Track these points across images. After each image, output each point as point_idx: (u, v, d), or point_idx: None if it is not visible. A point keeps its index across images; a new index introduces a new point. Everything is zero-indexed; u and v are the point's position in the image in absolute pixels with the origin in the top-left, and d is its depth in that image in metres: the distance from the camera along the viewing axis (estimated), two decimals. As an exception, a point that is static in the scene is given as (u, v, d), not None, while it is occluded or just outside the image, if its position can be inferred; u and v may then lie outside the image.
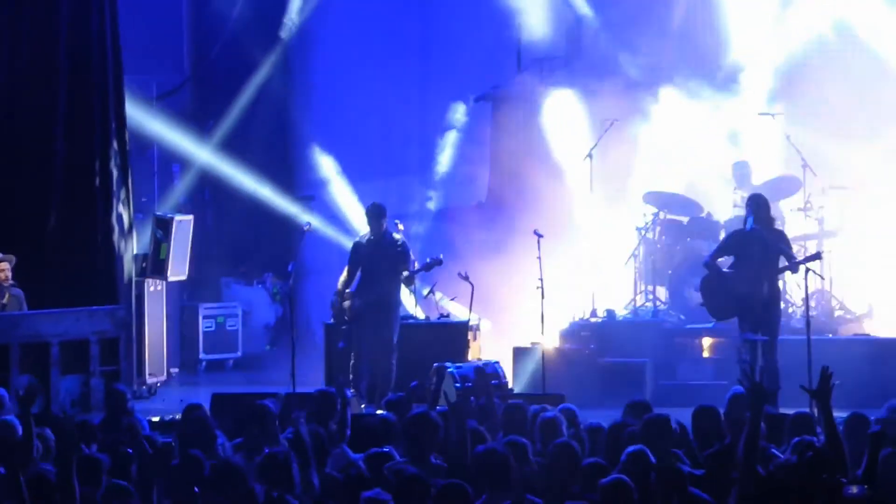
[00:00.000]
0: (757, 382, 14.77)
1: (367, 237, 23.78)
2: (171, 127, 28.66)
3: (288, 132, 30.48)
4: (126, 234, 25.39)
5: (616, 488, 12.09)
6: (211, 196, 29.57)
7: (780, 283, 22.76)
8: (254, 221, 29.18)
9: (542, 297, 23.94)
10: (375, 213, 23.67)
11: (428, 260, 23.55)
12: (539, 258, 24.31)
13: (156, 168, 29.03)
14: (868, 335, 25.55)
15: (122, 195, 25.25)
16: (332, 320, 24.28)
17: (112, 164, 25.04)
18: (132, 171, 25.95)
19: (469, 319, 24.41)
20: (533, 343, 25.11)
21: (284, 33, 30.00)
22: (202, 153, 29.03)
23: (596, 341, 25.32)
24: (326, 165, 29.99)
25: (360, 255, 23.76)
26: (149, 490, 13.20)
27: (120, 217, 25.16)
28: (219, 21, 29.73)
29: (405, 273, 23.54)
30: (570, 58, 30.07)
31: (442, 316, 25.13)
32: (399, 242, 23.74)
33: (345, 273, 23.84)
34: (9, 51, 24.47)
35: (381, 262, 23.52)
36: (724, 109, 28.28)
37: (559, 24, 29.90)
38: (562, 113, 29.32)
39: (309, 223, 27.27)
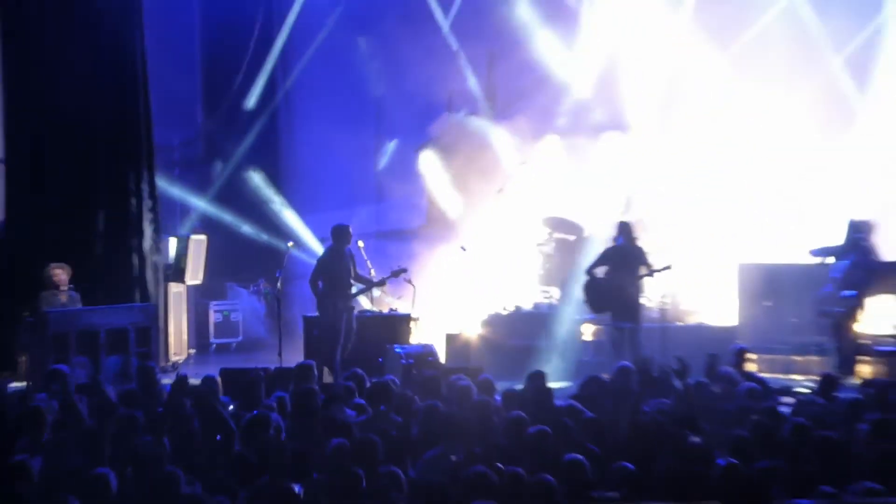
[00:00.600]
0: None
1: (330, 251, 23.47)
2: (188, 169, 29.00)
3: (275, 172, 30.47)
4: (155, 250, 25.46)
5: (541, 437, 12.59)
6: (218, 221, 29.28)
7: (642, 285, 22.97)
8: (250, 241, 29.20)
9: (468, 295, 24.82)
10: (341, 232, 23.47)
11: (395, 268, 23.47)
12: (463, 267, 25.26)
13: (177, 206, 28.88)
14: (703, 324, 26.01)
15: (152, 218, 25.31)
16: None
17: (145, 194, 25.09)
18: (160, 200, 26.03)
19: (411, 313, 24.65)
20: (459, 330, 25.39)
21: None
22: (209, 191, 29.33)
23: (506, 328, 25.53)
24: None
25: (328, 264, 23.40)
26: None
27: (151, 236, 25.29)
28: (226, 86, 29.82)
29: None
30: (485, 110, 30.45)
31: (391, 310, 25.07)
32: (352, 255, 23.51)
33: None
34: (72, 98, 24.30)
35: (347, 270, 23.36)
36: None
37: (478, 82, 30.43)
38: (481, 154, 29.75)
39: (292, 242, 28.05)
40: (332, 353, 22.72)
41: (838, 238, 23.23)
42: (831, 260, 22.81)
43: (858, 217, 23.22)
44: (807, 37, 28.70)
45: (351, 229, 23.46)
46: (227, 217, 29.31)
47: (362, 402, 15.33)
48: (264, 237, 29.19)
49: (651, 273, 22.95)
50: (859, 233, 22.57)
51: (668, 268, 23.52)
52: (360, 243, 24.05)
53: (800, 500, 10.68)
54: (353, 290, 23.22)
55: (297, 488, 11.14)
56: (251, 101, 30.17)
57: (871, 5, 28.81)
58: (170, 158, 28.16)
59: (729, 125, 28.41)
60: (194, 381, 17.15)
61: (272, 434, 13.20)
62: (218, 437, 13.47)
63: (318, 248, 27.70)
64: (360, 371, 17.55)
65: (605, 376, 16.84)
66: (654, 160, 28.50)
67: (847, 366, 21.97)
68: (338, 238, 23.29)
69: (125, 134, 25.17)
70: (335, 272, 23.22)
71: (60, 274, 22.83)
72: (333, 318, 22.81)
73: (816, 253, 23.25)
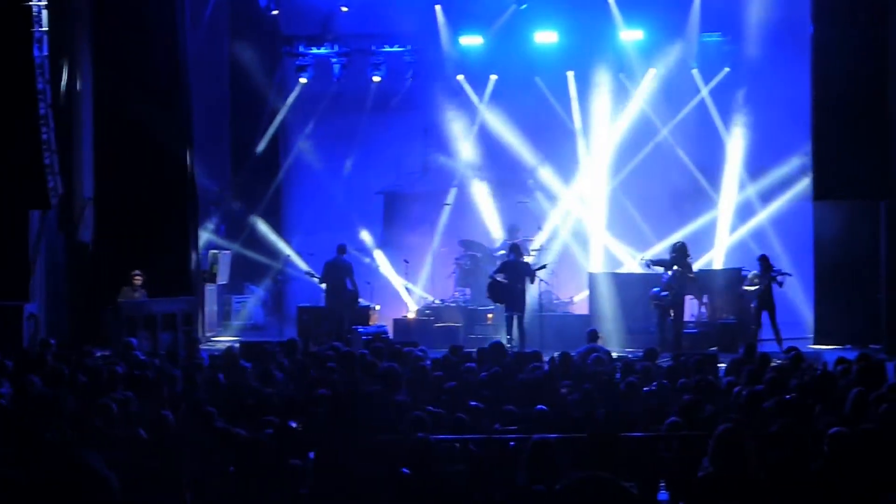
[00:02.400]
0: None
1: (337, 257, 23.72)
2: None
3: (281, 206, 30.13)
4: (197, 260, 25.20)
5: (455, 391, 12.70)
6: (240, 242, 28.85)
7: (526, 285, 22.80)
8: (261, 253, 28.64)
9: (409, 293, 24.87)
10: (342, 248, 23.98)
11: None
12: (407, 272, 25.29)
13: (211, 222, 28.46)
14: (568, 312, 26.03)
15: (195, 238, 25.13)
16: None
17: (191, 224, 24.91)
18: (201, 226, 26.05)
19: (370, 304, 25.36)
20: (403, 316, 25.74)
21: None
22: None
23: (435, 315, 25.63)
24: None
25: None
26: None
27: (195, 253, 25.11)
28: (250, 143, 29.39)
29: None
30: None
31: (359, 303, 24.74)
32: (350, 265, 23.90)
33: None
34: (142, 152, 24.02)
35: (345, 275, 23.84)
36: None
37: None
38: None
39: (288, 255, 27.99)
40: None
41: (665, 254, 23.29)
42: (660, 269, 22.78)
43: (677, 241, 23.26)
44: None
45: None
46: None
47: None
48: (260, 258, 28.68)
49: (532, 277, 22.94)
50: (676, 252, 22.59)
51: (543, 267, 23.69)
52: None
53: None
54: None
55: (293, 424, 11.01)
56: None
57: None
58: (206, 200, 27.46)
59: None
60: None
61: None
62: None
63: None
64: (336, 343, 17.57)
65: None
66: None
67: (668, 343, 22.07)
68: (340, 251, 23.62)
69: (180, 178, 24.83)
70: (338, 274, 23.35)
71: (137, 277, 22.92)
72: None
73: (647, 264, 23.25)
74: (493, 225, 28.32)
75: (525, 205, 27.81)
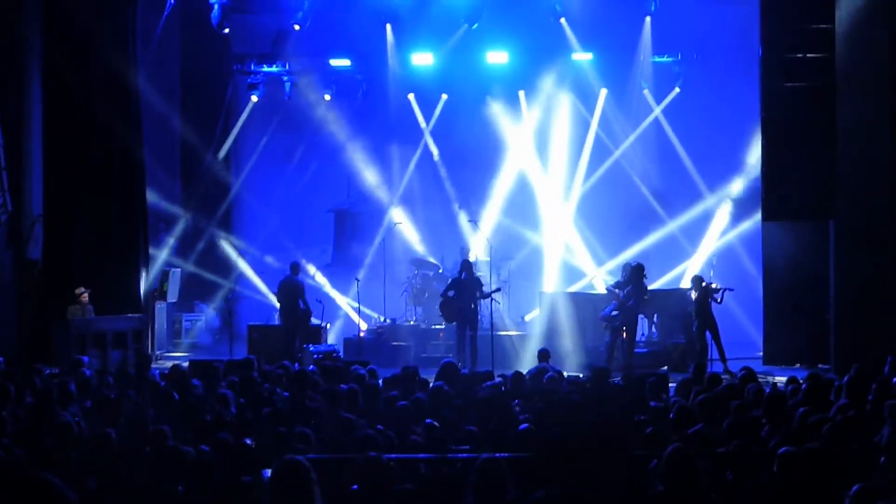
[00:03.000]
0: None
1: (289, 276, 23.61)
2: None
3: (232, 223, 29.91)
4: (147, 278, 25.21)
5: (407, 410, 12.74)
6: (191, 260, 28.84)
7: (478, 304, 22.86)
8: (211, 271, 28.73)
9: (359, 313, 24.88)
10: (296, 266, 23.83)
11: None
12: (358, 291, 25.31)
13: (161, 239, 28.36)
14: (520, 333, 25.67)
15: (146, 258, 25.12)
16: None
17: (141, 241, 24.86)
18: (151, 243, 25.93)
19: (321, 323, 25.14)
20: (355, 335, 25.53)
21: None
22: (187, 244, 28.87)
23: (387, 334, 25.47)
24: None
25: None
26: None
27: (144, 270, 25.05)
28: (201, 160, 29.26)
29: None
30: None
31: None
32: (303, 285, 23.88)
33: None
34: (91, 165, 24.23)
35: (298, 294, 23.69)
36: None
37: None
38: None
39: (238, 274, 27.92)
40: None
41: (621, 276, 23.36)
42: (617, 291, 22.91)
43: (633, 262, 23.35)
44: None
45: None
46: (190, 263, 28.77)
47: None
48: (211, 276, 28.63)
49: (486, 295, 23.00)
50: (632, 272, 22.69)
51: (498, 289, 23.76)
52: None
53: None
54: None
55: (248, 441, 10.93)
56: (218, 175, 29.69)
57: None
58: (156, 215, 27.38)
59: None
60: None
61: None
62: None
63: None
64: (286, 362, 17.51)
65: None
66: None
67: (618, 363, 22.19)
68: (295, 270, 23.57)
69: (131, 195, 24.87)
70: (291, 293, 23.36)
71: (83, 295, 22.85)
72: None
73: (610, 288, 23.29)
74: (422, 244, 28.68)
75: (475, 224, 27.76)
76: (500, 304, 24.93)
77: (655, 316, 24.40)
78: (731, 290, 22.86)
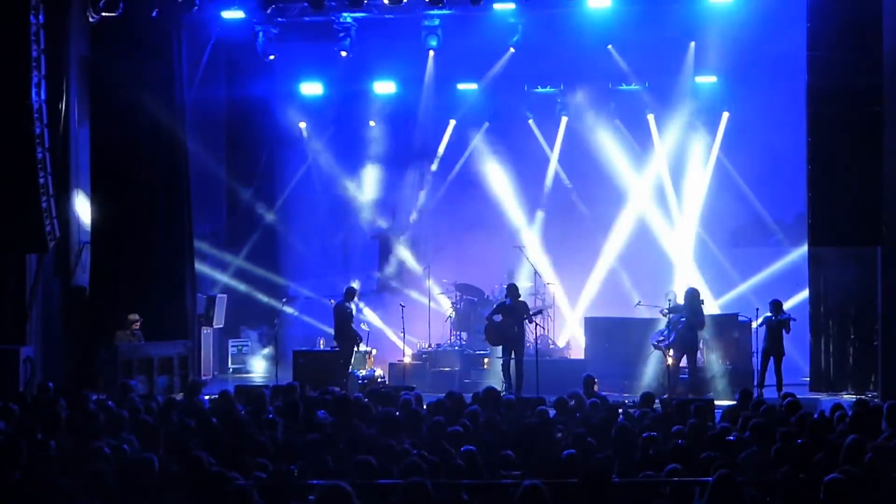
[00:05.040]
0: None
1: (342, 302, 23.93)
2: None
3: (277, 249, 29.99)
4: (194, 304, 25.49)
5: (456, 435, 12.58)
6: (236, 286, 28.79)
7: (524, 329, 22.81)
8: (257, 297, 28.70)
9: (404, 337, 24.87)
10: (350, 292, 24.07)
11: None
12: (403, 316, 25.30)
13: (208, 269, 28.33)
14: (567, 357, 26.23)
15: (192, 284, 25.37)
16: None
17: (188, 268, 25.20)
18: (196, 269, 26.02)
19: (367, 349, 25.15)
20: (399, 360, 25.52)
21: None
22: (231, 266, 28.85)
23: (431, 360, 25.63)
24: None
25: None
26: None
27: (190, 295, 25.29)
28: (238, 193, 29.39)
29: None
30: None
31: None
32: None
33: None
34: (138, 196, 24.60)
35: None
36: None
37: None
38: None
39: (286, 299, 27.99)
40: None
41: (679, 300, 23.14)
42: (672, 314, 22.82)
43: (690, 287, 23.22)
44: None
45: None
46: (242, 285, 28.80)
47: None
48: (264, 298, 28.64)
49: (530, 318, 22.93)
50: (690, 298, 22.58)
51: (540, 311, 23.70)
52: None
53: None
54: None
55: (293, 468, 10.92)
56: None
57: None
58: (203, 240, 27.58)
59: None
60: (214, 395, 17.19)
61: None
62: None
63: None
64: (331, 388, 17.62)
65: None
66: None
67: (665, 388, 22.13)
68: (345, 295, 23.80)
69: (177, 222, 25.15)
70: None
71: (136, 323, 23.19)
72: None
73: (665, 312, 23.16)
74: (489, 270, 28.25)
75: (520, 250, 27.65)
76: (543, 328, 24.82)
77: (702, 342, 24.20)
78: (794, 319, 22.66)
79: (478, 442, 12.36)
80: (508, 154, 28.90)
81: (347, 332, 23.71)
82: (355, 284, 24.84)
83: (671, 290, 23.69)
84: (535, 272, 27.11)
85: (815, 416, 14.56)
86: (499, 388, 19.60)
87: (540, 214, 29.09)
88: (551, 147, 29.14)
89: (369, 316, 27.89)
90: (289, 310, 27.58)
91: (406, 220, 29.65)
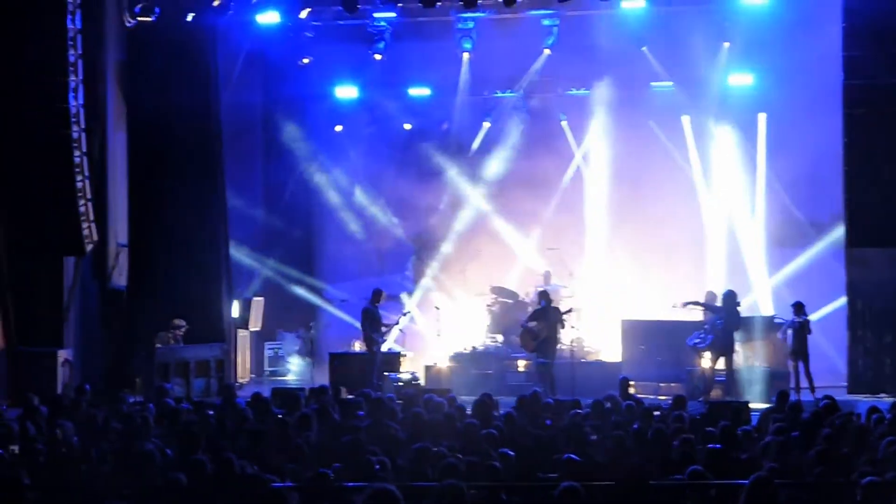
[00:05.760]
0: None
1: (370, 304, 23.80)
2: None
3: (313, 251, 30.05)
4: (230, 307, 25.56)
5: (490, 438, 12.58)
6: (270, 287, 28.77)
7: (558, 333, 22.84)
8: (294, 300, 28.72)
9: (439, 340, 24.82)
10: (377, 293, 24.01)
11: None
12: (438, 318, 25.27)
13: (244, 274, 28.31)
14: (599, 360, 25.74)
15: (228, 288, 25.43)
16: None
17: (224, 273, 25.25)
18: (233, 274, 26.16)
19: (401, 351, 25.11)
20: (434, 363, 25.33)
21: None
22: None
23: (466, 362, 25.35)
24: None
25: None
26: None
27: (226, 299, 25.37)
28: (283, 188, 29.35)
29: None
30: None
31: (390, 350, 24.77)
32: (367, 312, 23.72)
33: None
34: (174, 200, 24.63)
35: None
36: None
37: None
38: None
39: (320, 302, 28.03)
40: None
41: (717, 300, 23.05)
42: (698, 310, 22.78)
43: (728, 289, 23.12)
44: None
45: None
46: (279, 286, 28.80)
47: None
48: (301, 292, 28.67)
49: (563, 323, 22.90)
50: (727, 300, 22.50)
51: (570, 310, 23.59)
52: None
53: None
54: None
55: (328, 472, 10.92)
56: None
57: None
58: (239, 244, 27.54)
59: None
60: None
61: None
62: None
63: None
64: (366, 390, 17.63)
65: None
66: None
67: (699, 390, 22.07)
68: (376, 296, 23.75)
69: (212, 228, 25.29)
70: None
71: (180, 329, 23.41)
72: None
73: (685, 305, 23.12)
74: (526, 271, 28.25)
75: (555, 251, 27.59)
76: (574, 328, 24.72)
77: (737, 344, 24.06)
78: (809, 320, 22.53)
79: (514, 445, 12.34)
80: (544, 156, 28.76)
81: (374, 335, 23.72)
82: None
83: (709, 291, 23.61)
84: (570, 273, 26.95)
85: (853, 418, 14.48)
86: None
87: (572, 216, 28.86)
88: (589, 149, 28.98)
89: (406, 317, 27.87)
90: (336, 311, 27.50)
91: (441, 223, 29.54)
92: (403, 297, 27.66)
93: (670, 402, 17.32)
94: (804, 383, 21.99)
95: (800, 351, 22.16)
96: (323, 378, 23.21)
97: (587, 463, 11.42)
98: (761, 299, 26.59)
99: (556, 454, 11.84)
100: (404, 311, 25.63)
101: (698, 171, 28.11)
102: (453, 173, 29.05)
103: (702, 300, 23.50)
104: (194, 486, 10.11)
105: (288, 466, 11.06)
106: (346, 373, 23.51)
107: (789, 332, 22.53)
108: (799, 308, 22.40)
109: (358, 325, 24.20)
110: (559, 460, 11.53)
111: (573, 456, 11.48)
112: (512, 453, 11.66)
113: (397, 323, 24.35)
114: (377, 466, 10.86)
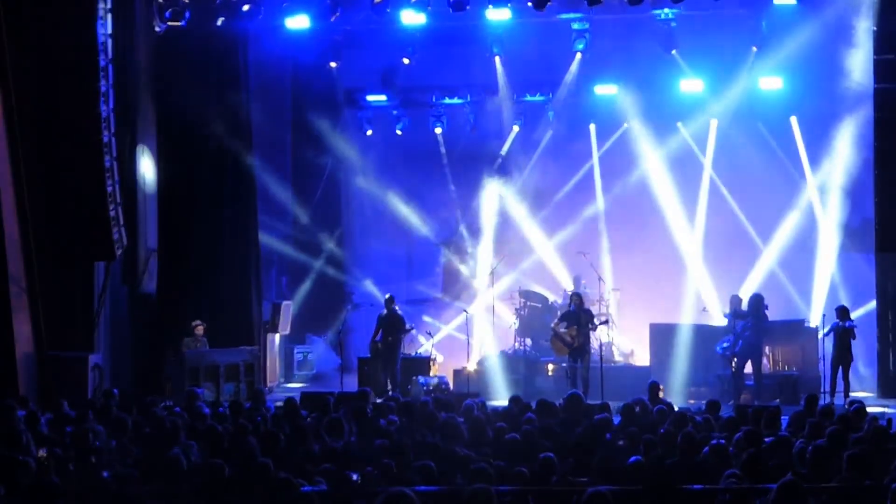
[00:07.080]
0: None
1: (384, 311, 24.28)
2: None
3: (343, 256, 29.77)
4: (260, 311, 25.66)
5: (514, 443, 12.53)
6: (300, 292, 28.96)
7: (589, 337, 23.01)
8: (322, 304, 28.93)
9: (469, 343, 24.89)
10: (390, 299, 24.37)
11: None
12: (467, 322, 25.37)
13: (273, 278, 28.67)
14: (631, 364, 26.15)
15: (257, 293, 25.57)
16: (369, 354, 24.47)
17: (252, 277, 25.40)
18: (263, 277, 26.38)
19: (430, 355, 25.43)
20: (463, 367, 25.40)
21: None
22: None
23: (495, 366, 24.97)
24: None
25: (382, 320, 24.23)
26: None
27: (258, 300, 25.56)
28: (313, 194, 29.39)
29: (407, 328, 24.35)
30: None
31: (417, 353, 25.45)
32: (400, 314, 24.35)
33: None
34: (202, 204, 24.98)
35: (392, 324, 24.15)
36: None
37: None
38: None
39: (349, 306, 28.13)
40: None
41: (743, 305, 23.06)
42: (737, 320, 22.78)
43: (755, 292, 23.10)
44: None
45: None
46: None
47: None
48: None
49: (594, 328, 22.94)
50: (754, 303, 22.49)
51: (605, 322, 23.68)
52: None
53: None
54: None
55: (354, 476, 10.97)
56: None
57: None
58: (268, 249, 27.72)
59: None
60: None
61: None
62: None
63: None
64: (395, 394, 17.65)
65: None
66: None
67: (731, 393, 22.07)
68: (388, 302, 24.03)
69: (242, 232, 25.44)
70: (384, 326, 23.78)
71: (198, 327, 23.41)
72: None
73: (729, 316, 23.13)
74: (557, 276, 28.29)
75: (584, 256, 27.59)
76: (608, 336, 24.77)
77: (766, 347, 24.05)
78: (855, 326, 22.41)
79: (542, 448, 12.22)
80: (573, 159, 28.79)
81: (392, 339, 23.91)
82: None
83: (734, 295, 23.60)
84: (600, 278, 27.03)
85: (882, 422, 14.44)
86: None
87: (603, 220, 28.91)
88: (616, 151, 28.98)
89: (435, 321, 28.11)
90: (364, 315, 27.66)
91: (470, 227, 29.60)
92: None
93: (700, 406, 17.36)
94: (839, 387, 21.86)
95: (842, 356, 22.01)
96: (351, 383, 23.31)
97: (616, 468, 11.40)
98: (794, 304, 26.49)
99: (586, 458, 11.85)
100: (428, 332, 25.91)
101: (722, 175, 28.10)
102: (483, 177, 29.04)
103: (727, 305, 23.48)
104: (226, 490, 10.19)
105: (317, 470, 11.09)
106: (375, 378, 23.71)
107: (830, 336, 22.38)
108: (843, 312, 22.28)
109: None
110: (589, 464, 11.56)
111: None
112: (543, 456, 11.62)
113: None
114: (407, 472, 10.89)
